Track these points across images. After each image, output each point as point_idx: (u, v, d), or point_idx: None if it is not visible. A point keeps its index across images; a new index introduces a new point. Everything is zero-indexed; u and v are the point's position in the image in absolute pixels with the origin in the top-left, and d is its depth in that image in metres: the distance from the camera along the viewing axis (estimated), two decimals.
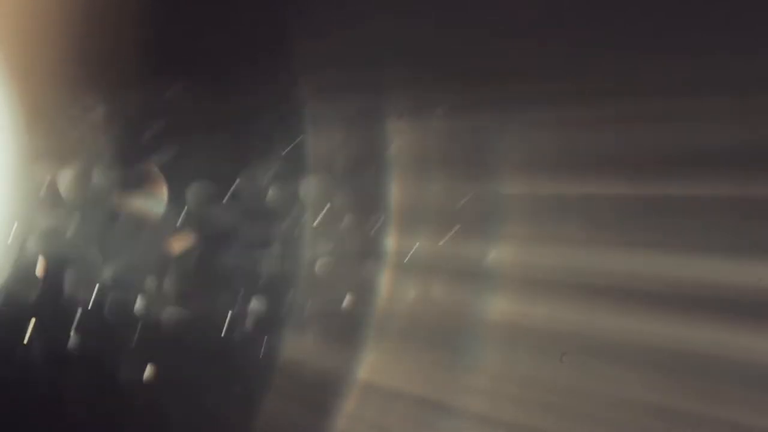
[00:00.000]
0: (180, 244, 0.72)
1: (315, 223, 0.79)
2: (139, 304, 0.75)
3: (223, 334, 0.78)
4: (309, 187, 0.79)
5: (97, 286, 0.73)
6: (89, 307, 0.73)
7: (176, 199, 0.76)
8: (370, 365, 0.79)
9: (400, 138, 0.78)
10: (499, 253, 0.75)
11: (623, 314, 0.69)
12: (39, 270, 0.71)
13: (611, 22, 0.69)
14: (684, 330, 0.66)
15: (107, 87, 0.72)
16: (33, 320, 0.71)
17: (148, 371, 0.76)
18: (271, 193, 0.78)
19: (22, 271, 0.71)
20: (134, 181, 0.74)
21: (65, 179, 0.71)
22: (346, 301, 0.79)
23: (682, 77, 0.67)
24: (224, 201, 0.77)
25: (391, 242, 0.79)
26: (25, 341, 0.72)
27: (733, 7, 0.65)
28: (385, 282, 0.79)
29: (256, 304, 0.79)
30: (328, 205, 0.79)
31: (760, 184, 0.64)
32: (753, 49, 0.65)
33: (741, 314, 0.64)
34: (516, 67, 0.72)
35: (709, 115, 0.66)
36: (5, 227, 0.70)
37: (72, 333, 0.73)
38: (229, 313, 0.78)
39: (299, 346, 0.80)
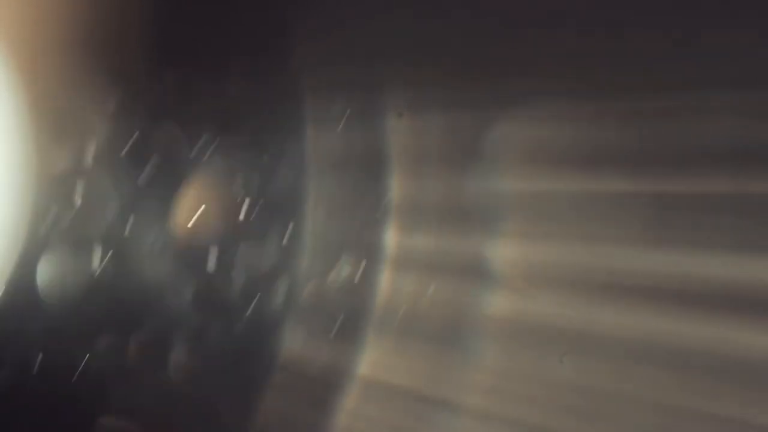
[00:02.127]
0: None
1: (313, 220, 0.79)
2: (140, 299, 0.75)
3: (221, 331, 0.78)
4: (308, 184, 0.79)
5: (100, 279, 0.74)
6: (90, 303, 0.74)
7: (174, 196, 0.76)
8: (371, 362, 0.79)
9: (400, 135, 0.78)
10: (500, 250, 0.76)
11: (625, 311, 0.70)
12: (46, 262, 0.71)
13: (612, 19, 0.69)
14: (686, 327, 0.67)
15: (106, 85, 0.72)
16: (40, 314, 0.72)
17: (148, 368, 0.77)
18: (271, 191, 0.78)
19: (30, 265, 0.71)
20: (136, 175, 0.74)
21: (69, 169, 0.71)
22: (347, 297, 0.79)
23: (683, 74, 0.67)
24: (222, 198, 0.77)
25: (391, 239, 0.79)
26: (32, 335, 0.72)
27: (735, 4, 0.65)
28: (385, 279, 0.79)
29: (255, 301, 0.79)
30: (328, 202, 0.79)
31: (762, 181, 0.65)
32: (755, 47, 0.65)
33: (743, 311, 0.64)
34: (516, 64, 0.73)
35: (710, 112, 0.66)
36: (11, 218, 0.70)
37: (74, 327, 0.73)
38: (229, 309, 0.78)
39: (299, 343, 0.80)
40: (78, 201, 0.72)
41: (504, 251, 0.75)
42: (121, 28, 0.73)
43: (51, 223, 0.71)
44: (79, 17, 0.71)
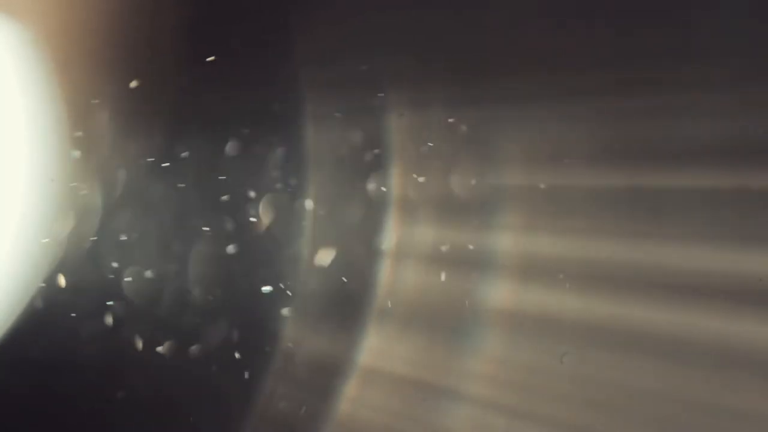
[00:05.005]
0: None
1: (316, 213, 0.80)
2: (144, 291, 0.76)
3: (225, 322, 0.79)
4: (311, 179, 0.79)
5: (112, 275, 0.74)
6: (99, 296, 0.74)
7: (180, 192, 0.76)
8: (373, 350, 0.80)
9: (400, 131, 0.79)
10: (500, 243, 0.76)
11: (623, 303, 0.71)
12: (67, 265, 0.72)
13: (611, 18, 0.70)
14: (683, 318, 0.68)
15: (115, 83, 0.73)
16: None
17: (152, 356, 0.77)
18: (273, 186, 0.79)
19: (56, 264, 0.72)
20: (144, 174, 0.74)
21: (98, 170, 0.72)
22: (349, 288, 0.80)
23: (681, 72, 0.68)
24: (226, 193, 0.78)
25: (392, 232, 0.80)
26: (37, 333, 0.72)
27: (735, 4, 0.66)
28: (387, 270, 0.80)
29: (259, 291, 0.79)
30: (330, 196, 0.80)
31: (760, 176, 0.66)
32: (753, 44, 0.66)
33: (741, 303, 0.65)
34: (515, 62, 0.73)
35: (708, 107, 0.67)
36: (44, 217, 0.71)
37: (78, 321, 0.74)
38: (233, 298, 0.79)
39: (302, 331, 0.81)
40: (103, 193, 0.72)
41: (504, 244, 0.76)
42: (136, 27, 0.73)
43: (82, 217, 0.72)
44: (104, 18, 0.71)
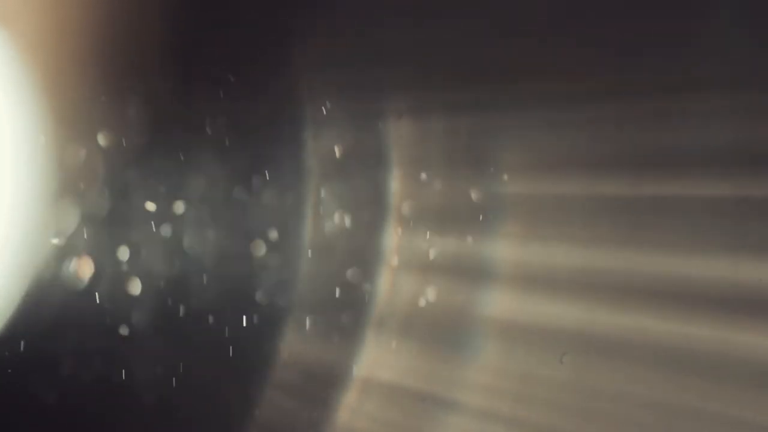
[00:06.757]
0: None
1: (314, 220, 0.80)
2: (143, 299, 0.76)
3: (223, 329, 0.79)
4: (310, 186, 0.79)
5: (107, 282, 0.74)
6: (97, 304, 0.74)
7: (179, 196, 0.76)
8: (371, 360, 0.80)
9: (400, 137, 0.79)
10: (500, 251, 0.76)
11: (623, 312, 0.70)
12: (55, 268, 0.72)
13: (611, 21, 0.70)
14: (683, 328, 0.67)
15: (113, 88, 0.73)
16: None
17: (152, 367, 0.77)
18: (272, 192, 0.79)
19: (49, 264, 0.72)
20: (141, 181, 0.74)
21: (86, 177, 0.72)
22: (348, 296, 0.80)
23: (682, 76, 0.68)
24: (226, 198, 0.78)
25: (391, 240, 0.80)
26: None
27: (735, 4, 0.66)
28: (386, 278, 0.80)
29: (256, 300, 0.79)
30: (329, 203, 0.80)
31: (761, 184, 0.65)
32: (753, 45, 0.65)
33: (740, 312, 0.65)
34: (516, 68, 0.73)
35: (709, 114, 0.67)
36: (30, 228, 0.71)
37: (75, 323, 0.74)
38: (231, 308, 0.78)
39: (301, 341, 0.80)
40: (91, 201, 0.72)
41: (504, 252, 0.76)
42: (130, 33, 0.73)
43: (67, 221, 0.72)
44: (95, 23, 0.71)
